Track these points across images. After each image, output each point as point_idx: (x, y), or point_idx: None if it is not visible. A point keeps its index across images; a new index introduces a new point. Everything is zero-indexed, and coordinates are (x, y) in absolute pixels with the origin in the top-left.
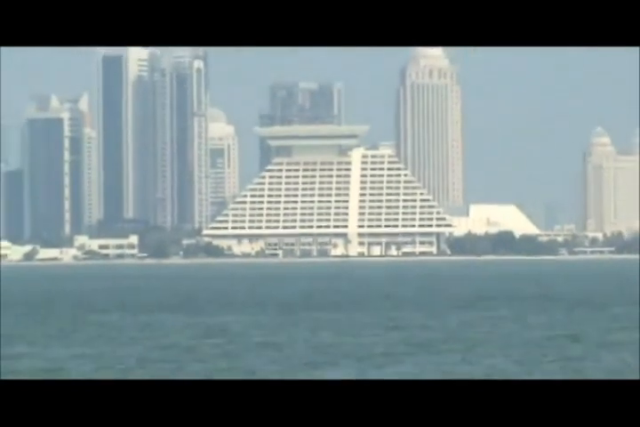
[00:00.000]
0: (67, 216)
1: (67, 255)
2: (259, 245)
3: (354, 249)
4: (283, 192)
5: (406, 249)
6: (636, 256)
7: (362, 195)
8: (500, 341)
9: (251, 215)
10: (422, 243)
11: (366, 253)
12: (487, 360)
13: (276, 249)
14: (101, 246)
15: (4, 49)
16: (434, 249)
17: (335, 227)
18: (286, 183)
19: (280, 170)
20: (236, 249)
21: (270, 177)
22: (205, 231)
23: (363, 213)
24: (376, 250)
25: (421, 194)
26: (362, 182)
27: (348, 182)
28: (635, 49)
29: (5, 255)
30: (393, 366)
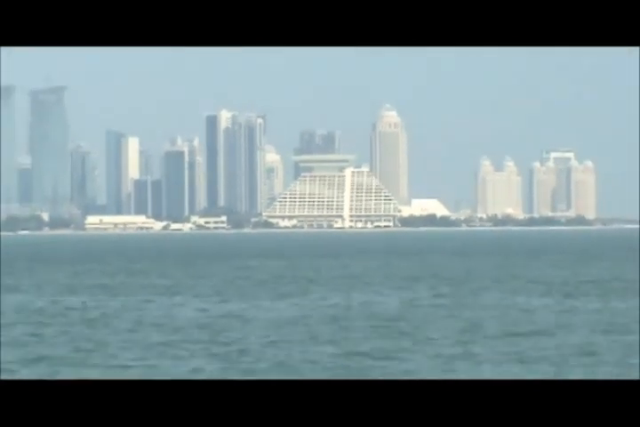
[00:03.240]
0: (186, 204)
1: (185, 227)
2: (292, 222)
3: (347, 224)
4: (307, 192)
5: (377, 224)
6: (506, 228)
7: (351, 193)
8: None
9: (289, 205)
10: (385, 220)
11: (353, 226)
12: None
13: (303, 224)
14: (206, 222)
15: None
16: (391, 224)
17: (336, 211)
18: (309, 188)
19: (305, 180)
20: (281, 224)
21: (300, 184)
22: (264, 214)
23: (352, 204)
24: (359, 224)
25: (385, 193)
26: (351, 187)
27: (343, 186)
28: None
29: (151, 227)
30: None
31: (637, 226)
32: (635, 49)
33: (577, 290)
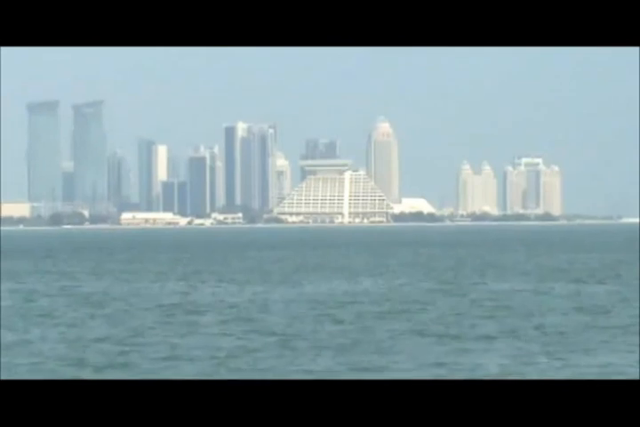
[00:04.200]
0: (207, 203)
1: (206, 222)
2: (299, 218)
3: (346, 220)
4: (311, 192)
5: (372, 220)
6: (483, 223)
7: (350, 193)
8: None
9: (296, 203)
10: (379, 217)
11: (352, 222)
12: None
13: (308, 219)
14: (224, 218)
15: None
16: (384, 220)
17: (337, 209)
18: (313, 188)
19: (310, 182)
20: (290, 219)
21: (305, 185)
22: (275, 211)
23: (350, 202)
24: (357, 220)
25: (378, 193)
26: (350, 187)
27: (343, 187)
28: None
29: (177, 222)
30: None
31: (597, 222)
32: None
33: (550, 276)
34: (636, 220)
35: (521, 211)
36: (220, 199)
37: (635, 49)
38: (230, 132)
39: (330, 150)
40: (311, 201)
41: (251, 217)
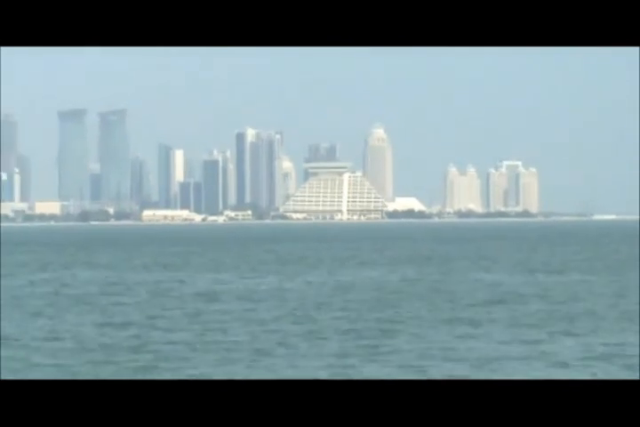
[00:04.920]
0: (220, 201)
1: (219, 219)
2: (303, 215)
3: (345, 217)
4: (314, 192)
5: (368, 216)
6: (468, 219)
7: (348, 193)
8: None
9: (300, 202)
10: (375, 214)
11: (350, 219)
12: None
13: (311, 216)
14: (235, 215)
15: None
16: (379, 217)
17: (337, 207)
18: (315, 188)
19: (312, 182)
20: (294, 216)
21: (309, 185)
22: (281, 209)
23: (349, 201)
24: (354, 217)
25: (374, 193)
26: (348, 188)
27: (342, 187)
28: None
29: (193, 219)
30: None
31: (571, 218)
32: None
33: (533, 267)
34: (606, 217)
35: (502, 208)
36: (232, 198)
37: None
38: (241, 138)
39: (330, 154)
40: (313, 200)
41: (259, 214)
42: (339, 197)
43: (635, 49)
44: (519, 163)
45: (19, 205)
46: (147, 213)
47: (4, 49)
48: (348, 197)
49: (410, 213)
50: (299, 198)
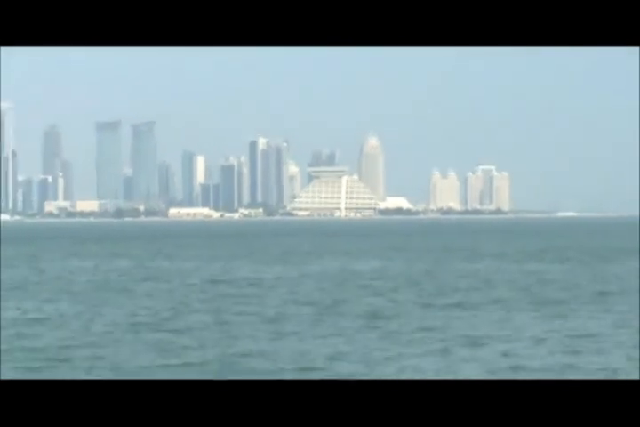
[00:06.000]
0: (235, 200)
1: (235, 216)
2: (307, 212)
3: (343, 214)
4: (316, 192)
5: (363, 213)
6: (449, 216)
7: (346, 193)
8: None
9: (304, 201)
10: (369, 211)
11: (348, 215)
12: None
13: (314, 213)
14: (249, 212)
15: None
16: (373, 214)
17: (336, 205)
18: (317, 189)
19: (315, 184)
20: (299, 213)
21: (312, 187)
22: (288, 207)
23: (346, 200)
24: (351, 214)
25: (368, 193)
26: (346, 188)
27: (340, 188)
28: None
29: (212, 216)
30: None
31: (538, 215)
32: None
33: (511, 257)
34: (568, 213)
35: (478, 207)
36: (245, 198)
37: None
38: (253, 146)
39: (330, 159)
40: (316, 199)
41: (269, 211)
42: (338, 196)
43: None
44: (493, 167)
45: (62, 203)
46: (172, 211)
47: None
48: (346, 197)
49: (399, 211)
50: (303, 198)
